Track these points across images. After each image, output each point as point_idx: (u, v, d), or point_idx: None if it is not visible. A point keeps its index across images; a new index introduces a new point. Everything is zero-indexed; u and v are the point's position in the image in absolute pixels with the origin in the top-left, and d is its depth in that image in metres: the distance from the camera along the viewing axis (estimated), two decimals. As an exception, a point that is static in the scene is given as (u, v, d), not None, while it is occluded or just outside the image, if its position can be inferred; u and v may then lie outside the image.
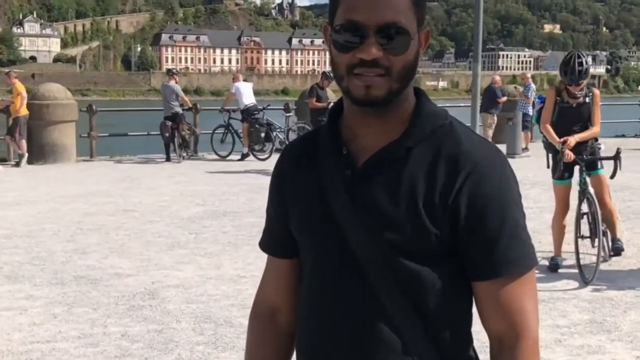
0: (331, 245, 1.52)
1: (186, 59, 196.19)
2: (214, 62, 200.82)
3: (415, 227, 1.45)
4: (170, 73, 17.50)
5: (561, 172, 6.92)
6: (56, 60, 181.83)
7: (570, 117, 6.89)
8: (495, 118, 19.68)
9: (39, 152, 16.13)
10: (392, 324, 1.48)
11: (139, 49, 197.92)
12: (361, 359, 1.51)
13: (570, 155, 6.70)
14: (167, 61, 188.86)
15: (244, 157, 17.05)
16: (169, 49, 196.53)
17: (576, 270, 6.89)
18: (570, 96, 6.87)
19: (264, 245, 1.74)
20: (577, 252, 6.86)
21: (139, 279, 6.94)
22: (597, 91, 7.05)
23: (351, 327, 1.51)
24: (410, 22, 1.45)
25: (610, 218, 7.15)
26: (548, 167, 7.18)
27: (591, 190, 6.99)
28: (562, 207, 7.16)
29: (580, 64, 6.75)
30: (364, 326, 1.50)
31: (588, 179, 6.94)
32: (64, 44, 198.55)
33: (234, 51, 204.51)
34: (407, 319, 1.48)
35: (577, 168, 6.99)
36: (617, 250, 7.21)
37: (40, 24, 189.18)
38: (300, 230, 1.61)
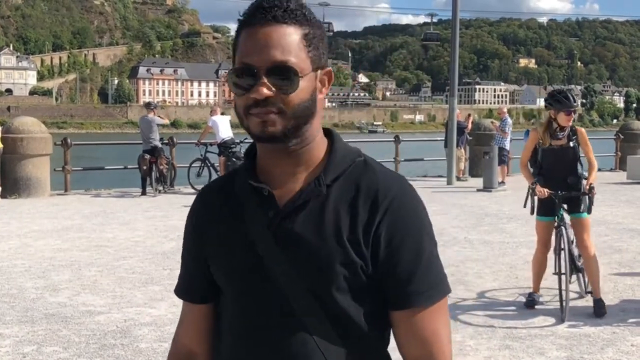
0: (259, 291, 1.55)
1: (164, 91, 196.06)
2: (192, 94, 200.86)
3: (343, 261, 1.50)
4: (149, 107, 17.41)
5: (539, 208, 6.90)
6: (32, 93, 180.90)
7: (553, 159, 6.86)
8: (464, 151, 20.03)
9: (13, 186, 15.96)
10: (323, 357, 1.53)
11: (116, 81, 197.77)
12: None
13: (543, 192, 6.69)
14: (144, 94, 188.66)
15: (220, 191, 16.97)
16: (147, 82, 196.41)
17: (553, 307, 6.85)
18: (553, 137, 6.82)
19: (180, 291, 1.73)
20: (560, 288, 6.80)
21: (111, 316, 6.81)
22: (581, 130, 6.99)
23: None
24: (302, 62, 1.50)
25: (592, 269, 6.99)
26: (525, 206, 7.09)
27: (569, 228, 6.97)
28: (543, 243, 7.11)
29: (569, 90, 6.87)
30: None
31: (567, 217, 6.93)
32: (41, 77, 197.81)
33: (211, 84, 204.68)
34: (337, 351, 1.53)
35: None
36: (598, 312, 6.83)
37: (17, 57, 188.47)
38: (226, 278, 1.61)
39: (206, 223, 1.65)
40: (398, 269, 1.52)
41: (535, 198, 6.86)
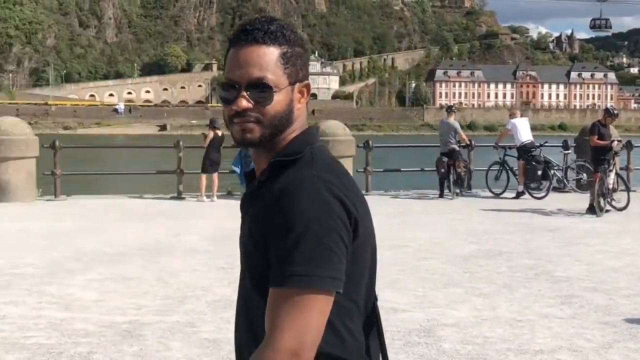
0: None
1: (460, 94, 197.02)
2: (488, 97, 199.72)
3: (254, 253, 1.75)
4: (449, 110, 17.61)
5: None
6: (334, 97, 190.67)
7: None
8: None
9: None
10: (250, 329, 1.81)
11: (413, 84, 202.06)
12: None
13: None
14: (440, 96, 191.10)
15: (519, 195, 16.70)
16: (443, 85, 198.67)
17: None
18: None
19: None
20: None
21: (414, 315, 6.99)
22: None
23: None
24: (278, 78, 1.75)
25: None
26: None
27: None
28: None
29: None
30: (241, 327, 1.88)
31: None
32: (342, 82, 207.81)
33: (508, 86, 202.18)
34: (248, 328, 1.81)
35: None
36: None
37: (321, 63, 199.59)
38: None
39: None
40: (273, 251, 1.67)
41: None
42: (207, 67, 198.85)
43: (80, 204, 15.81)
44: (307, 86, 1.83)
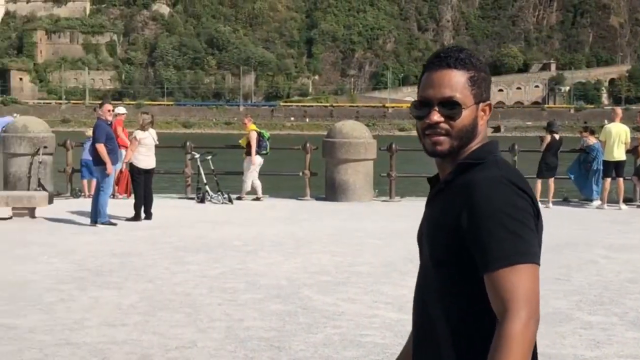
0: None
1: None
2: None
3: (440, 243, 2.02)
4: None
5: None
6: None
7: None
8: None
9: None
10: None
11: None
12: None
13: None
14: None
15: None
16: None
17: None
18: None
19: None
20: None
21: None
22: None
23: None
24: (466, 97, 2.03)
25: None
26: None
27: None
28: None
29: None
30: None
31: None
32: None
33: None
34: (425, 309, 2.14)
35: None
36: None
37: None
38: None
39: None
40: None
41: None
42: (544, 67, 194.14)
43: (413, 205, 16.20)
44: (489, 106, 2.12)
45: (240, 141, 17.81)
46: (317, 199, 17.25)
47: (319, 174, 17.75)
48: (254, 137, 16.90)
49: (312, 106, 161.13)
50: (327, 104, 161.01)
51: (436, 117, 2.03)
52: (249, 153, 16.90)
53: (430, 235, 2.06)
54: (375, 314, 7.22)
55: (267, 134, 17.43)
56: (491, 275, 1.88)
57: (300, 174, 17.89)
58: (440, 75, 2.04)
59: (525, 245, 1.89)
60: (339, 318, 7.06)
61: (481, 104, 2.08)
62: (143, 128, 13.76)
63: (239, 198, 16.72)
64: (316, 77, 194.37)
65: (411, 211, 15.18)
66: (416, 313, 2.16)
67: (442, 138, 2.03)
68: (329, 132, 17.68)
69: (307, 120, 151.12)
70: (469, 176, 1.99)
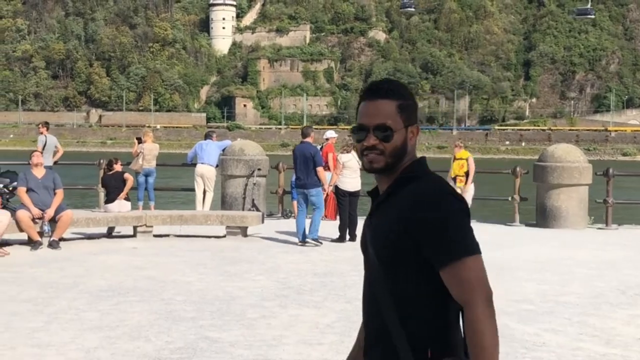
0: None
1: None
2: None
3: (390, 245, 2.40)
4: None
5: None
6: None
7: None
8: None
9: None
10: None
11: None
12: None
13: None
14: None
15: None
16: None
17: None
18: None
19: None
20: None
21: None
22: None
23: None
24: (396, 122, 2.46)
25: None
26: None
27: None
28: None
29: None
30: None
31: None
32: None
33: None
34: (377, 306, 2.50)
35: None
36: None
37: None
38: None
39: None
40: None
41: None
42: None
43: (631, 234, 15.22)
44: (417, 128, 2.49)
45: (455, 170, 17.37)
46: (527, 224, 16.72)
47: (529, 199, 17.21)
48: (472, 163, 16.92)
49: (528, 129, 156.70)
50: (545, 127, 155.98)
51: (372, 140, 2.45)
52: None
53: (379, 241, 2.40)
54: (580, 346, 6.82)
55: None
56: (447, 270, 2.28)
57: (510, 198, 17.43)
58: (374, 105, 2.46)
59: (469, 240, 2.31)
60: (540, 349, 6.73)
61: (410, 127, 2.48)
62: (346, 151, 13.98)
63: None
64: (533, 100, 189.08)
65: (628, 240, 14.30)
66: (367, 313, 2.49)
67: (378, 157, 2.45)
68: (540, 156, 17.10)
69: (523, 144, 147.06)
70: (411, 187, 2.39)
